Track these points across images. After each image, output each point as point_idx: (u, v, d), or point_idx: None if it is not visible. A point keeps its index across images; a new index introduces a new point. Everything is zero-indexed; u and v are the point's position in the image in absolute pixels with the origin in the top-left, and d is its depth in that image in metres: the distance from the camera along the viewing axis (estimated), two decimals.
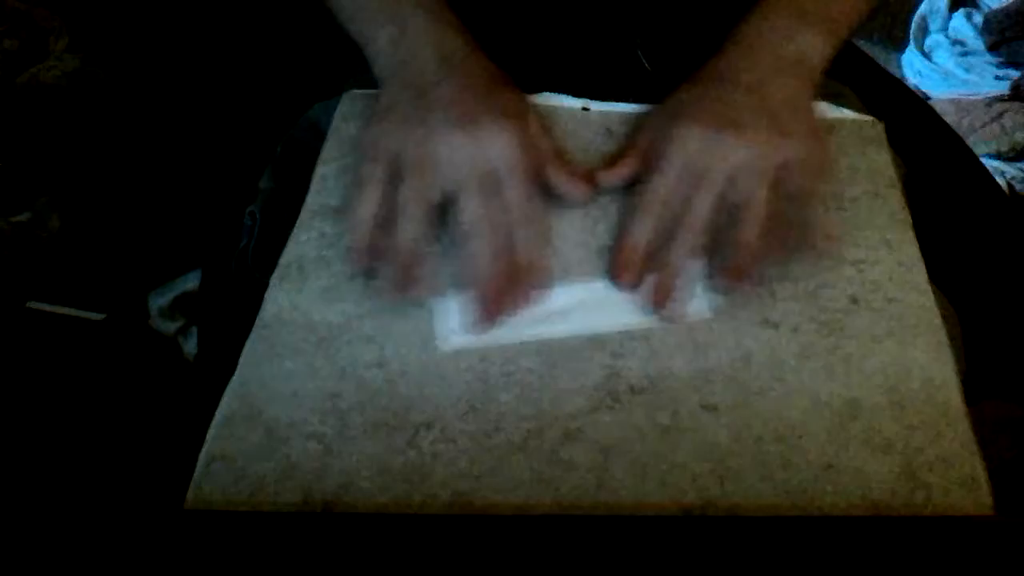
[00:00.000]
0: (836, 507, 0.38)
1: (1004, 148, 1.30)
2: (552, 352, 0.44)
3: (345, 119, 0.56)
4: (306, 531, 0.36)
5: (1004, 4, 1.43)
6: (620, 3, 0.60)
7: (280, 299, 0.47)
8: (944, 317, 0.45)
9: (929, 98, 1.41)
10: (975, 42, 1.43)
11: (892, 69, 1.48)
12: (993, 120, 1.33)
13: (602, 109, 0.56)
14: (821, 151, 0.48)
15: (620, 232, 0.48)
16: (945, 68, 1.44)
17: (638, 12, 0.60)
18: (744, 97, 0.48)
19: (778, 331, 0.44)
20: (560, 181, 0.49)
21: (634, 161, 0.50)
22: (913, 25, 1.50)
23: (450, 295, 0.46)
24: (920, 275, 0.47)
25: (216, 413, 0.42)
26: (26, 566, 0.35)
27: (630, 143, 0.52)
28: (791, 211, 0.46)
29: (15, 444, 0.97)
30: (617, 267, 0.47)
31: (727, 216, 0.46)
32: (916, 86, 1.46)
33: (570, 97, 0.56)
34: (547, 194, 0.49)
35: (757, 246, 0.45)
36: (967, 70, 1.42)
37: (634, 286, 0.46)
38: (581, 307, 0.46)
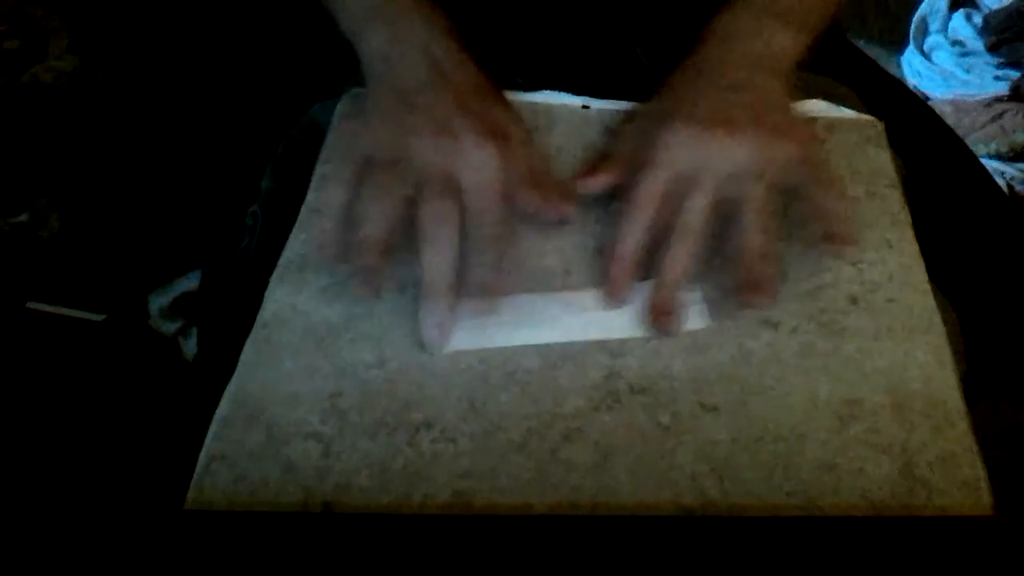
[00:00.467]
0: (836, 507, 0.38)
1: (1004, 148, 1.30)
2: (552, 352, 0.44)
3: (345, 119, 0.56)
4: (306, 531, 0.36)
5: (1004, 4, 1.43)
6: (619, 2, 0.60)
7: (280, 299, 0.47)
8: (944, 317, 0.45)
9: (929, 98, 1.41)
10: (975, 42, 1.43)
11: (892, 69, 1.48)
12: (993, 120, 1.33)
13: (602, 107, 0.56)
14: (812, 144, 0.48)
15: (611, 242, 0.46)
16: (945, 68, 1.44)
17: (637, 11, 0.60)
18: (729, 95, 0.47)
19: (778, 331, 0.44)
20: (533, 205, 0.47)
21: (616, 168, 0.49)
22: (913, 25, 1.50)
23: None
24: (920, 275, 0.47)
25: (216, 413, 0.42)
26: (26, 566, 0.35)
27: (611, 149, 0.50)
28: (797, 207, 0.45)
29: (15, 444, 0.97)
30: (609, 283, 0.46)
31: (724, 220, 0.45)
32: (916, 86, 1.46)
33: (570, 95, 0.56)
34: (522, 213, 0.48)
35: (768, 250, 0.44)
36: (967, 70, 1.42)
37: (627, 299, 0.45)
38: (579, 317, 0.45)
